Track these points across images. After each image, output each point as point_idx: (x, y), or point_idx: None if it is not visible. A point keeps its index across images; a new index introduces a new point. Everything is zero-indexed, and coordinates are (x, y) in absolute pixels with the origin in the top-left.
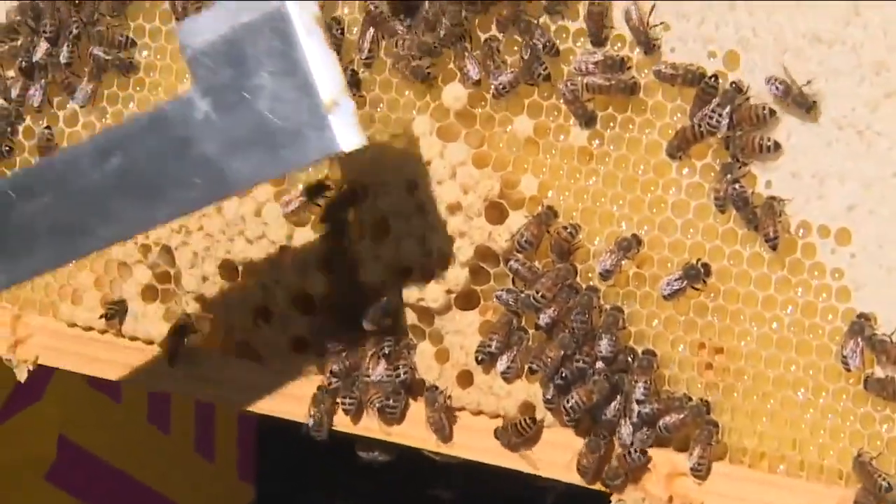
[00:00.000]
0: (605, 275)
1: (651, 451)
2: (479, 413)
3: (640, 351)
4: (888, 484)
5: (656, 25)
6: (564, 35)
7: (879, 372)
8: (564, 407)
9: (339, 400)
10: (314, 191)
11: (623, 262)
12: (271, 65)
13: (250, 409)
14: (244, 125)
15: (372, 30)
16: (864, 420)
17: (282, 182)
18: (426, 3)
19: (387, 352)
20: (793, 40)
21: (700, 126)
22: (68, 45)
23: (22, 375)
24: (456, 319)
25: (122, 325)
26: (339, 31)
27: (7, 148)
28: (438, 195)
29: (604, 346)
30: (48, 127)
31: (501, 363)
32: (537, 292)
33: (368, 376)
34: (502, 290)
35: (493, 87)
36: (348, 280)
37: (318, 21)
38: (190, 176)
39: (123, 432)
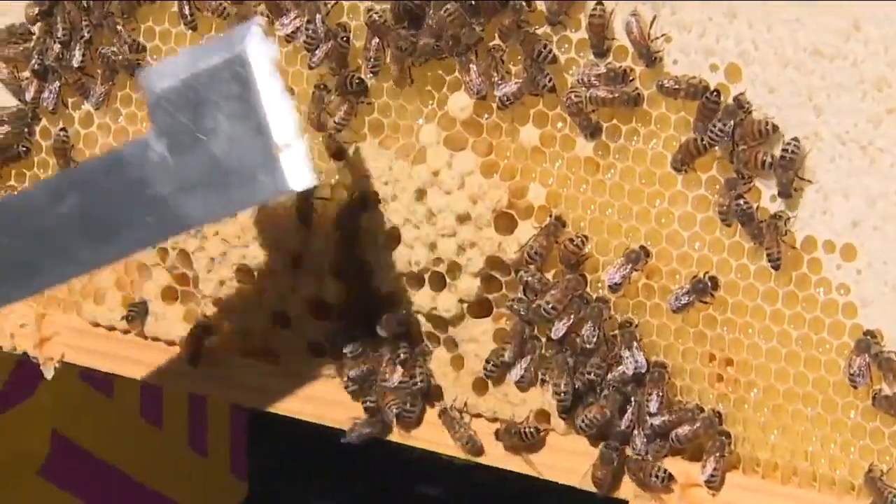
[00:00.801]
0: (615, 287)
1: (665, 462)
2: (496, 420)
3: (651, 363)
4: None
5: (657, 38)
6: (567, 45)
7: (887, 389)
8: (579, 425)
9: (360, 402)
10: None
11: (632, 274)
12: (228, 108)
13: (269, 410)
14: (198, 166)
15: (376, 38)
16: (874, 435)
17: None
18: (430, 11)
19: (402, 358)
20: (794, 54)
21: (703, 140)
22: (80, 48)
23: (49, 374)
24: (469, 328)
25: (143, 325)
26: (345, 39)
27: (24, 149)
28: (447, 204)
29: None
30: (63, 129)
31: (515, 372)
32: (548, 303)
33: (385, 382)
34: (514, 300)
35: (497, 98)
36: (362, 287)
37: (276, 65)
38: (143, 216)
39: (116, 428)
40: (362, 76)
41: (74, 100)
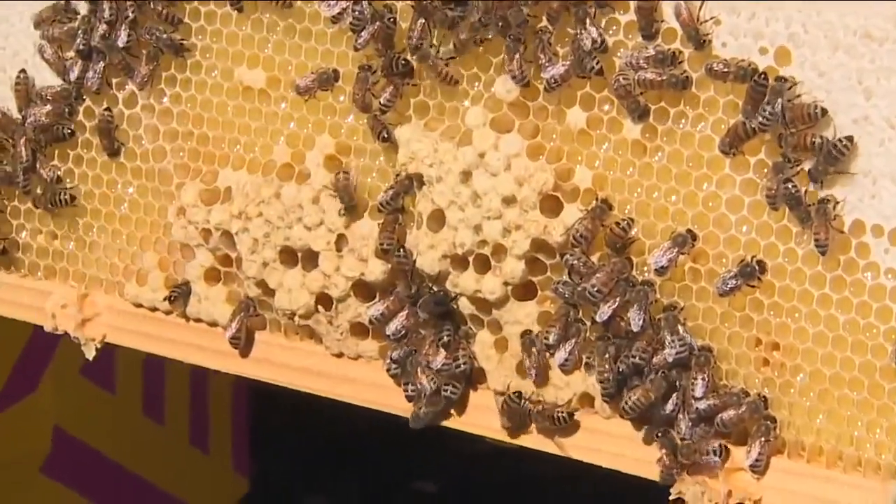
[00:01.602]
0: (661, 271)
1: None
2: (539, 403)
3: (697, 347)
4: None
5: (707, 21)
6: (615, 27)
7: None
8: (624, 407)
9: (402, 387)
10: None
11: (679, 258)
12: None
13: (310, 391)
14: None
15: (422, 19)
16: None
17: (339, 167)
18: None
19: (445, 340)
20: (843, 37)
21: (752, 123)
22: (125, 28)
23: (90, 354)
24: (514, 310)
25: (185, 306)
26: (392, 20)
27: (69, 130)
28: (493, 187)
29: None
30: (108, 108)
31: (560, 355)
32: (593, 286)
33: (429, 364)
34: (559, 283)
35: (544, 80)
36: (405, 270)
37: None
38: None
39: (119, 424)
40: (408, 58)
41: (119, 80)
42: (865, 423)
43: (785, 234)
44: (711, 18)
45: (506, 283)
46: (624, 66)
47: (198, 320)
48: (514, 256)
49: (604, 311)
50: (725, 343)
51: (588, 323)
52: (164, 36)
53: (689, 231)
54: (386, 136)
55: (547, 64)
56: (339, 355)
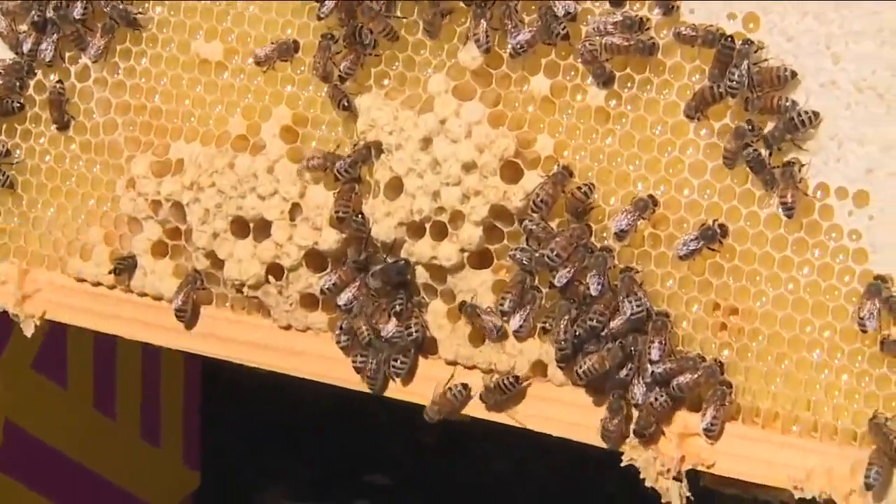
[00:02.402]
0: (621, 234)
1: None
2: (491, 372)
3: (654, 312)
4: None
5: None
6: None
7: None
8: (577, 371)
9: (350, 358)
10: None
11: (639, 222)
12: None
13: (258, 364)
14: None
15: None
16: (880, 382)
17: (295, 138)
18: None
19: (398, 309)
20: (813, 3)
21: (719, 87)
22: (82, 1)
23: (28, 331)
24: (469, 278)
25: (130, 280)
26: None
27: (18, 104)
28: (453, 153)
29: (590, 281)
30: (60, 81)
31: (514, 321)
32: (552, 251)
33: (381, 334)
34: (516, 249)
35: (510, 46)
36: (360, 237)
37: None
38: None
39: (70, 418)
40: (371, 28)
41: (72, 54)
42: (824, 386)
43: (748, 198)
44: None
45: (462, 250)
46: (591, 31)
47: (142, 294)
48: (471, 222)
49: (562, 276)
50: (683, 308)
51: (544, 290)
52: (121, 6)
53: (650, 196)
54: (346, 104)
55: (513, 30)
56: (287, 328)
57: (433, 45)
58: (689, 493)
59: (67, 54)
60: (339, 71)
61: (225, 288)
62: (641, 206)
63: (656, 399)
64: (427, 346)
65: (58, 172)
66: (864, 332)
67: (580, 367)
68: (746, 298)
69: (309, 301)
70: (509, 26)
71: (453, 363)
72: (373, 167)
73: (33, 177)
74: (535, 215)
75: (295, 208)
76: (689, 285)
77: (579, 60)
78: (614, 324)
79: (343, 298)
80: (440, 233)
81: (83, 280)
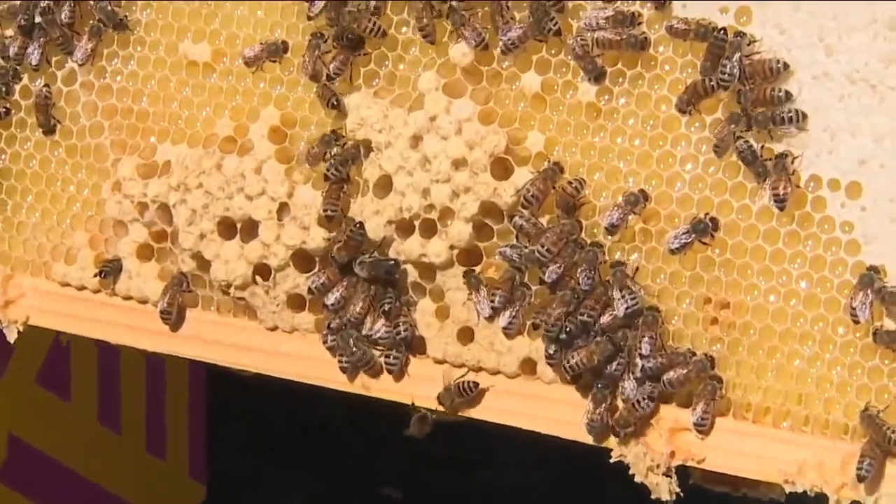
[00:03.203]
0: (612, 229)
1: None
2: (479, 370)
3: (644, 307)
4: None
5: None
6: None
7: (889, 325)
8: (565, 365)
9: (336, 358)
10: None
11: (630, 217)
12: None
13: (244, 367)
14: None
15: None
16: (872, 373)
17: (283, 139)
18: None
19: (386, 308)
20: None
21: (711, 80)
22: (69, 4)
23: (12, 336)
24: (458, 275)
25: (115, 283)
26: None
27: (3, 109)
28: (443, 150)
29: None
30: (46, 85)
31: (503, 318)
32: (542, 246)
33: (368, 334)
34: (506, 246)
35: (501, 42)
36: (357, 246)
37: None
38: None
39: (74, 432)
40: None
41: (58, 58)
42: (815, 379)
43: (740, 191)
44: None
45: (452, 247)
46: (582, 27)
47: (127, 298)
48: (461, 219)
49: (552, 272)
50: (674, 303)
51: (533, 288)
52: (108, 8)
53: (640, 191)
54: (335, 102)
55: (504, 26)
56: (273, 329)
57: (423, 44)
58: (678, 490)
59: (54, 59)
60: (328, 70)
61: (211, 290)
62: (632, 201)
63: (641, 399)
64: (415, 345)
65: (43, 177)
66: (857, 322)
67: (568, 361)
68: (738, 292)
69: (296, 302)
70: (500, 23)
71: (441, 361)
72: (361, 166)
73: (18, 182)
74: (525, 211)
75: (282, 208)
76: (680, 280)
77: (570, 56)
78: (604, 319)
79: (331, 298)
80: (429, 230)
81: (67, 284)
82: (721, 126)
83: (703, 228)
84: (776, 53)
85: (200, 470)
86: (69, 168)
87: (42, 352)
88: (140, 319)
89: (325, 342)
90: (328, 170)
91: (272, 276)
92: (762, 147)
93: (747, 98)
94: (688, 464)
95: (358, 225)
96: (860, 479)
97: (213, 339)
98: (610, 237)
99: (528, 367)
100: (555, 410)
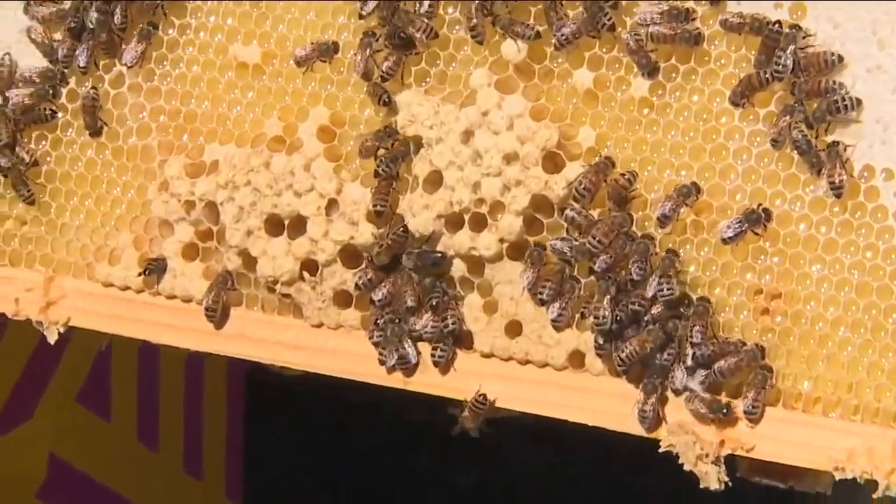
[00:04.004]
0: (663, 220)
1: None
2: (527, 363)
3: (694, 297)
4: None
5: None
6: None
7: None
8: (619, 356)
9: (382, 353)
10: (383, 136)
11: (681, 209)
12: None
13: (289, 364)
14: None
15: None
16: None
17: (332, 138)
18: None
19: (434, 303)
20: None
21: (766, 73)
22: (121, 8)
23: (52, 337)
24: (507, 269)
25: (159, 283)
26: None
27: (51, 111)
28: (495, 144)
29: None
30: (94, 87)
31: (553, 311)
32: (594, 237)
33: (415, 329)
34: (557, 239)
35: (555, 38)
36: (399, 248)
37: None
38: None
39: (113, 451)
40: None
41: (106, 61)
42: (866, 366)
43: (793, 182)
44: None
45: (501, 240)
46: (637, 22)
47: (171, 297)
48: (512, 212)
49: (602, 261)
50: (725, 294)
51: (582, 281)
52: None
53: (693, 183)
54: (387, 100)
55: (558, 22)
56: (319, 326)
57: (475, 44)
58: (727, 479)
59: (101, 62)
60: (381, 71)
61: (255, 289)
62: (685, 193)
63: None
64: (462, 340)
65: (88, 179)
66: None
67: (622, 352)
68: (790, 282)
69: (342, 298)
70: (553, 19)
71: (489, 355)
72: (411, 163)
73: (63, 184)
74: (576, 204)
75: (330, 205)
76: (731, 271)
77: (624, 51)
78: (655, 309)
79: (378, 294)
80: (479, 225)
81: (111, 285)
82: (777, 118)
83: (756, 218)
84: (830, 46)
85: (237, 490)
86: (115, 170)
87: (83, 372)
88: (184, 319)
89: (371, 338)
90: (378, 166)
91: (319, 271)
92: (816, 138)
93: (801, 90)
94: (737, 453)
95: (402, 229)
96: None
97: (258, 337)
98: (661, 229)
99: (577, 359)
100: (603, 402)
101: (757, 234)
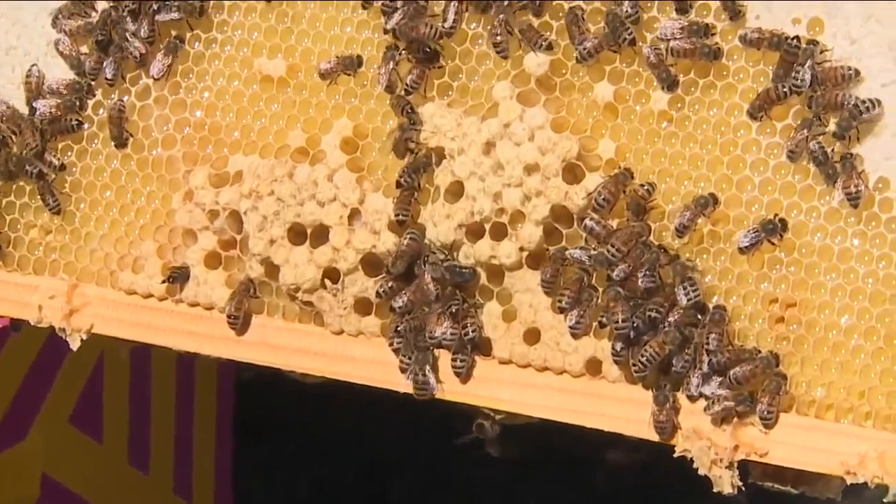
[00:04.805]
0: (681, 230)
1: None
2: (545, 369)
3: (710, 306)
4: None
5: None
6: (649, 4)
7: None
8: (639, 360)
9: (398, 358)
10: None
11: (699, 219)
12: None
13: (310, 371)
14: None
15: (456, 2)
16: None
17: (355, 150)
18: None
19: (454, 310)
20: (876, 6)
21: (784, 86)
22: (147, 21)
23: (75, 344)
24: (526, 278)
25: (182, 290)
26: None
27: (77, 122)
28: (516, 155)
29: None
30: (121, 98)
31: (571, 318)
32: (612, 246)
33: (434, 336)
34: (576, 248)
35: (577, 52)
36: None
37: None
38: None
39: (105, 473)
40: (434, 45)
41: (132, 74)
42: (879, 374)
43: (809, 194)
44: None
45: (522, 249)
46: (657, 37)
47: (193, 304)
48: (532, 221)
49: (621, 270)
50: (740, 302)
51: (600, 290)
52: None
53: (711, 194)
54: (410, 111)
55: (579, 37)
56: (339, 333)
57: (497, 58)
58: (740, 483)
59: (128, 75)
60: (405, 84)
61: (277, 297)
62: (702, 204)
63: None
64: (481, 347)
65: (113, 189)
66: None
67: (642, 356)
68: (804, 290)
69: (362, 306)
70: (576, 34)
71: (507, 362)
72: (433, 174)
73: (87, 194)
74: (595, 214)
75: (353, 215)
76: (747, 280)
77: (645, 65)
78: (672, 317)
79: (399, 301)
80: (499, 234)
81: (133, 293)
82: (795, 132)
83: (773, 228)
84: (847, 62)
85: None
86: (140, 180)
87: (75, 393)
88: (206, 326)
89: (391, 345)
90: (400, 177)
91: (341, 279)
92: (832, 150)
93: (818, 104)
94: (751, 458)
95: (413, 234)
96: None
97: (278, 344)
98: (679, 239)
99: (594, 366)
100: (620, 409)
101: (773, 243)
